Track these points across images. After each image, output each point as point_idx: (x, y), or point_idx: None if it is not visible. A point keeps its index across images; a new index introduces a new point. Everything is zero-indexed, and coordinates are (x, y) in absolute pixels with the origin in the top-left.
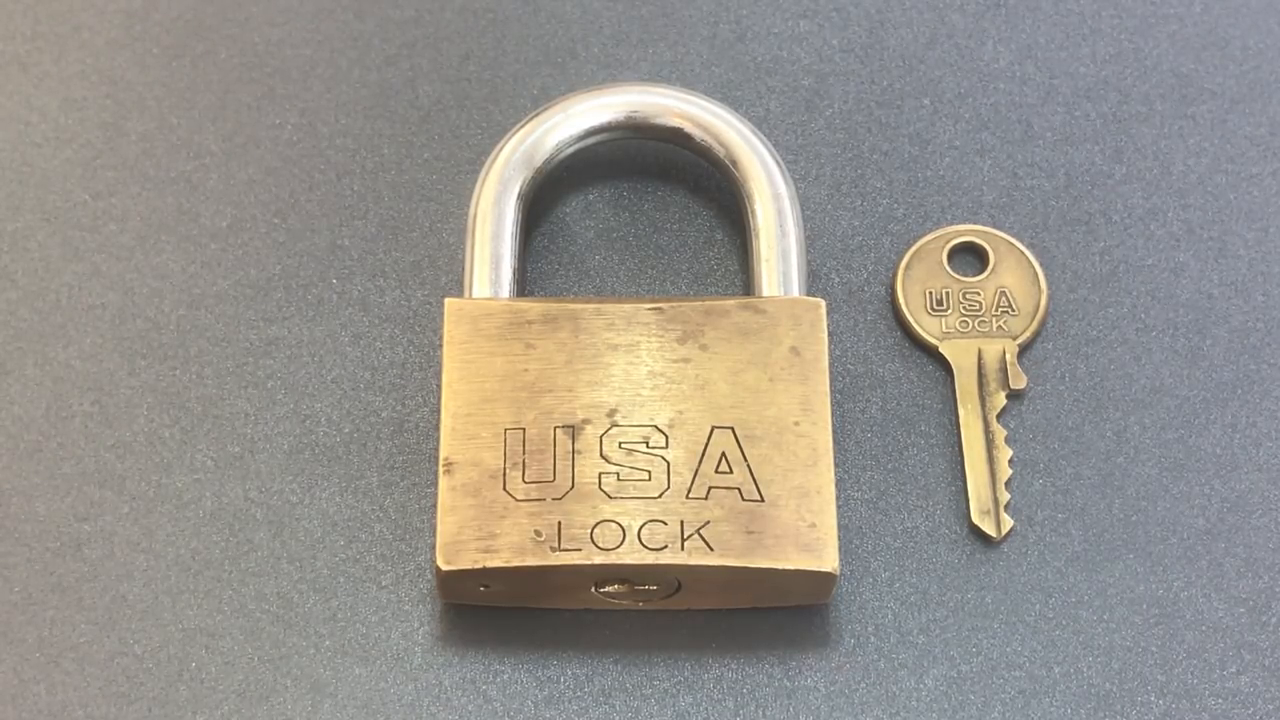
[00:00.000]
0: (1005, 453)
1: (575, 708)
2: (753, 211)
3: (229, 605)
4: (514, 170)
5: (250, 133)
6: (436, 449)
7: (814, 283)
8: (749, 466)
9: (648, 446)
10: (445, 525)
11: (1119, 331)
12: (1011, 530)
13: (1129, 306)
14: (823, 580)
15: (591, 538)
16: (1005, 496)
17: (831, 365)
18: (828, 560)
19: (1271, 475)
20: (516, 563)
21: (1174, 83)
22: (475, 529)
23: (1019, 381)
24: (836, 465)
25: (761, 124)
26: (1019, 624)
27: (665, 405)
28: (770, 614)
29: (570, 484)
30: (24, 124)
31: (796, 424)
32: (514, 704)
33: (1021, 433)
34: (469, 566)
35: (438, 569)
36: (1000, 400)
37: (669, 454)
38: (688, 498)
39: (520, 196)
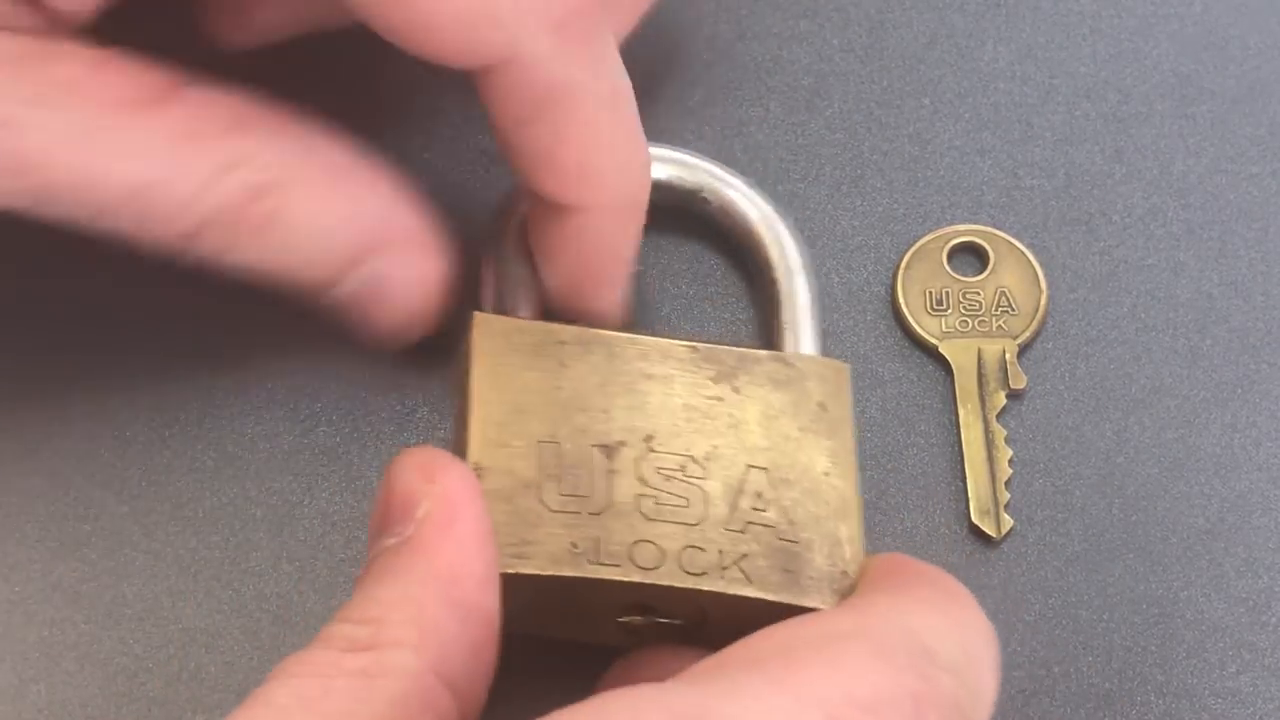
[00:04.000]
0: (1005, 453)
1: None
2: (772, 280)
3: (229, 605)
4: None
5: None
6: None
7: (814, 283)
8: (783, 508)
9: (684, 475)
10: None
11: (1119, 331)
12: (1011, 530)
13: (1129, 306)
14: None
15: (630, 555)
16: (1005, 496)
17: None
18: None
19: (1271, 475)
20: (552, 571)
21: (1174, 83)
22: (508, 534)
23: (1019, 381)
24: None
25: (761, 124)
26: (1019, 624)
27: (700, 438)
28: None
29: (608, 501)
30: None
31: (826, 474)
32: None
33: (1021, 433)
34: (502, 570)
35: None
36: (1000, 400)
37: (706, 485)
38: (726, 529)
39: None
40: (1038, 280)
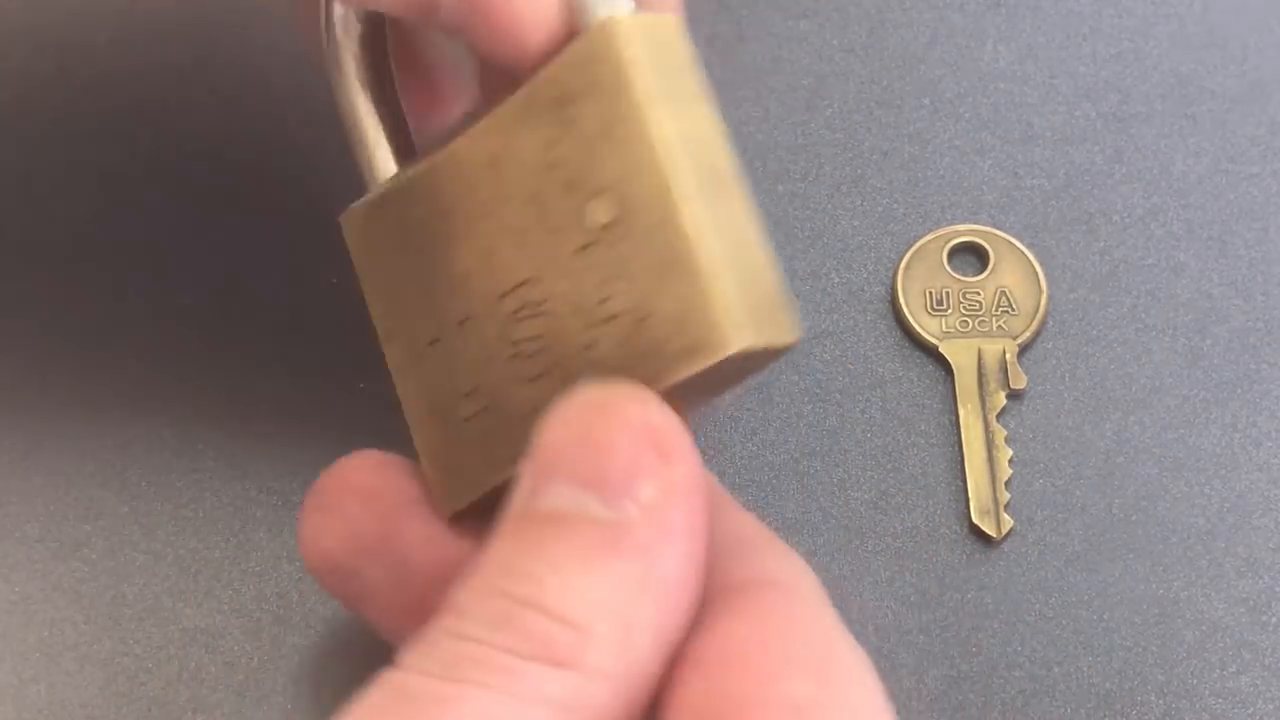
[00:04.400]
0: (1005, 453)
1: None
2: None
3: (229, 605)
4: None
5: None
6: None
7: (814, 282)
8: (623, 279)
9: (534, 308)
10: (430, 470)
11: (1119, 331)
12: (1011, 530)
13: (1129, 306)
14: (756, 355)
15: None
16: (1005, 496)
17: (831, 365)
18: (726, 341)
19: (1271, 475)
20: (495, 481)
21: (1174, 83)
22: (450, 462)
23: (1019, 381)
24: (836, 465)
25: (761, 124)
26: (1019, 624)
27: (517, 251)
28: None
29: (491, 382)
30: None
31: (651, 190)
32: None
33: (1021, 433)
34: (467, 504)
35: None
36: (1000, 400)
37: (550, 305)
38: (585, 349)
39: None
40: (1038, 280)
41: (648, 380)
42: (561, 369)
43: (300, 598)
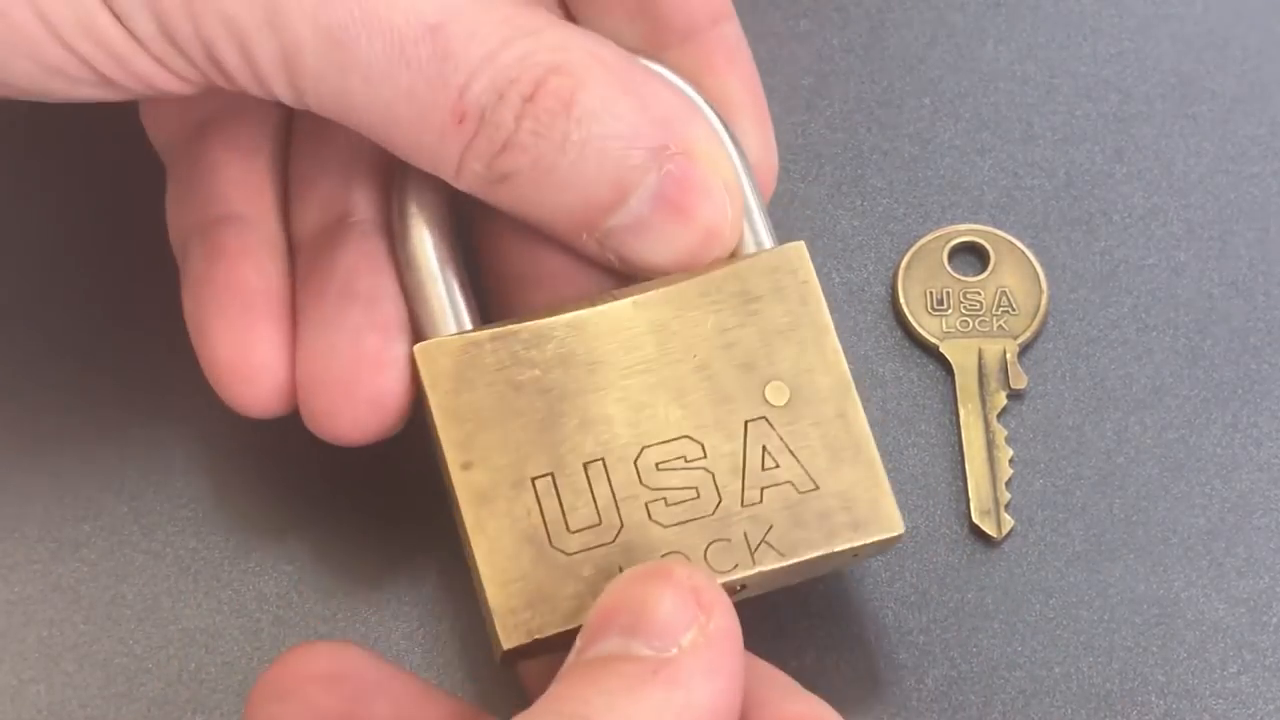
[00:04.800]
0: (1006, 453)
1: None
2: None
3: (229, 605)
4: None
5: None
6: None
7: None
8: (793, 454)
9: (685, 461)
10: (497, 600)
11: (1119, 331)
12: (1012, 530)
13: (1129, 306)
14: (890, 542)
15: None
16: (1006, 496)
17: None
18: (895, 524)
19: (1272, 475)
20: (581, 621)
21: (1175, 82)
22: (530, 595)
23: (1019, 381)
24: None
25: None
26: (1019, 624)
27: (681, 410)
28: (770, 618)
29: (619, 522)
30: None
31: (812, 375)
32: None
33: (1022, 433)
34: (530, 640)
35: (496, 645)
36: (1001, 400)
37: (708, 463)
38: (743, 506)
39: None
40: (1038, 280)
41: (811, 545)
42: (708, 519)
43: (300, 598)
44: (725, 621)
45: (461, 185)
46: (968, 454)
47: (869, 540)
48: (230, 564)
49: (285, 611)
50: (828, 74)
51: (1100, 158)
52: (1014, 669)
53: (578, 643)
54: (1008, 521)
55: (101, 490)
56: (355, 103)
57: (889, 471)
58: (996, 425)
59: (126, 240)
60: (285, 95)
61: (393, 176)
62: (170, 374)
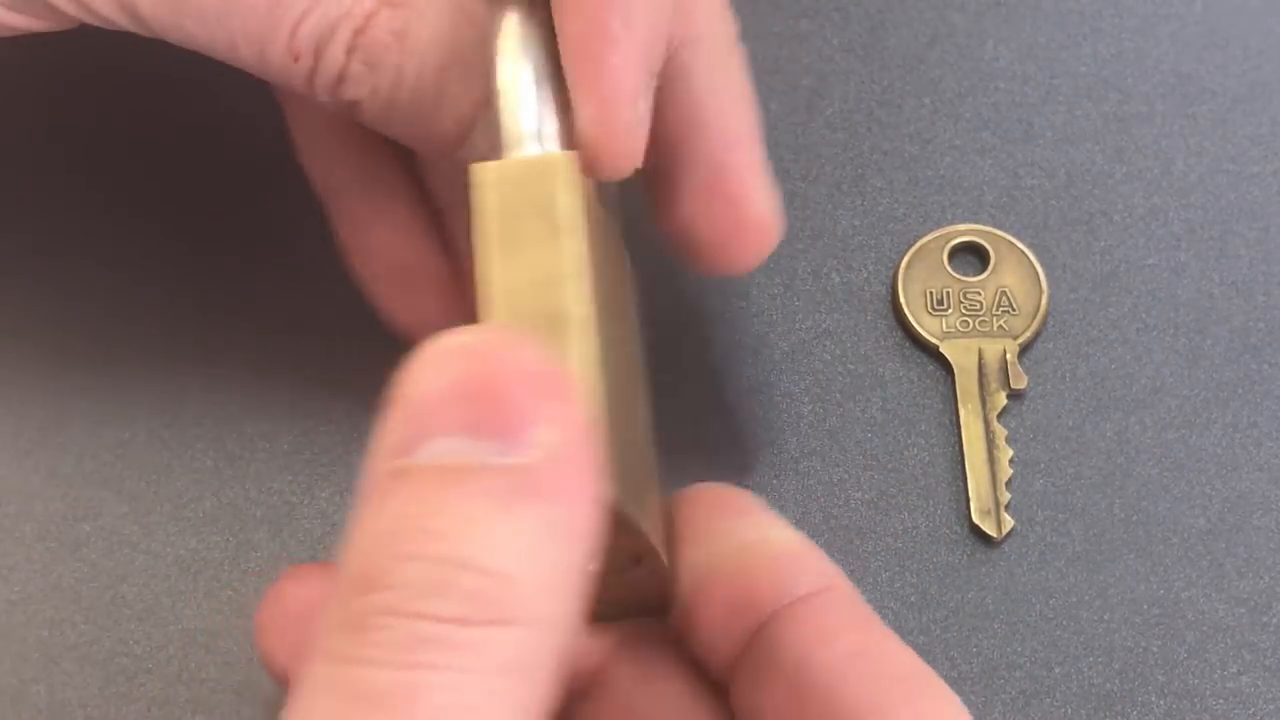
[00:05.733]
0: (1006, 453)
1: None
2: None
3: (229, 605)
4: None
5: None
6: None
7: (814, 282)
8: None
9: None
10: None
11: (1119, 331)
12: (1012, 530)
13: (1129, 306)
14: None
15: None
16: (1006, 496)
17: (832, 365)
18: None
19: (1272, 475)
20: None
21: (1175, 82)
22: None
23: (1019, 381)
24: (836, 465)
25: (762, 124)
26: (1019, 624)
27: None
28: None
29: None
30: None
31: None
32: None
33: (1022, 433)
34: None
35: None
36: (1001, 400)
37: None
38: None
39: None
40: (1038, 280)
41: None
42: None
43: None
44: (578, 409)
45: (326, 110)
46: (968, 454)
47: None
48: (230, 564)
49: None
50: (828, 74)
51: (1100, 158)
52: (1014, 669)
53: (386, 436)
54: (1008, 522)
55: (101, 490)
56: (199, 43)
57: (890, 473)
58: (996, 425)
59: (127, 240)
60: (136, 29)
61: None
62: (171, 374)
